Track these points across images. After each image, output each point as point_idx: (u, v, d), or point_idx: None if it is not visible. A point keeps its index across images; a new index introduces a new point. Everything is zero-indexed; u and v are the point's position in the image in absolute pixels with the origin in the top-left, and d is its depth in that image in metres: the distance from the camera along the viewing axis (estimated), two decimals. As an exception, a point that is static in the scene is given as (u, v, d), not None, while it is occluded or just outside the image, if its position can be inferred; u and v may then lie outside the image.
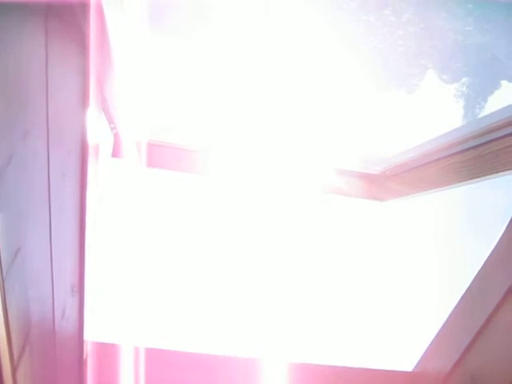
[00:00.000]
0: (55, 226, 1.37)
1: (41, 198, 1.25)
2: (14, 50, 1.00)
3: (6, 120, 1.00)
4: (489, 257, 1.94)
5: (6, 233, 1.06)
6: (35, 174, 1.18)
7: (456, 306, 2.10)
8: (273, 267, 3.10)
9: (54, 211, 1.34)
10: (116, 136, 2.35)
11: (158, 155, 2.46)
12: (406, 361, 2.34)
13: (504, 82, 1.88)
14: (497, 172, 1.79)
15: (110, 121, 2.20)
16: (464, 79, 1.95)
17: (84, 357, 2.03)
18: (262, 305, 3.06)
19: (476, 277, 2.00)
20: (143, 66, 1.99)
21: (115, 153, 2.41)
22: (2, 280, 1.07)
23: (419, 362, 2.26)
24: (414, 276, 3.19)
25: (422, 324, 2.95)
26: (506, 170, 1.74)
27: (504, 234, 1.88)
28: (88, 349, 2.06)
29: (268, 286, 3.09)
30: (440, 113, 2.13)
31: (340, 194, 2.56)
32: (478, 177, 1.89)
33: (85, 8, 1.35)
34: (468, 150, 1.93)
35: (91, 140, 1.61)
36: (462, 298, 2.07)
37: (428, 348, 2.22)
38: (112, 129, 2.30)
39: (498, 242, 1.90)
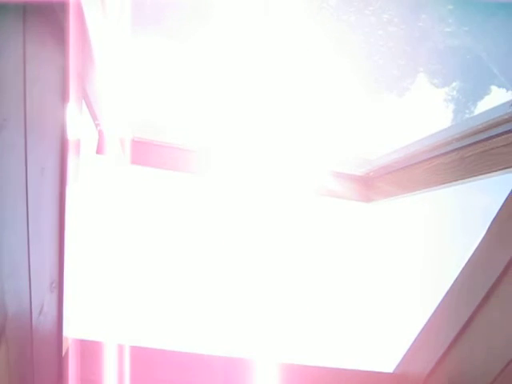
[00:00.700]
0: (33, 220, 1.36)
1: (18, 191, 1.24)
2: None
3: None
4: (469, 260, 1.94)
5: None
6: (12, 166, 1.17)
7: (436, 309, 2.10)
8: (260, 268, 3.10)
9: (31, 204, 1.33)
10: (100, 133, 2.34)
11: (142, 152, 2.45)
12: (388, 362, 2.34)
13: (494, 88, 1.89)
14: (480, 174, 1.79)
15: (94, 117, 2.19)
16: (454, 84, 1.96)
17: (63, 354, 2.01)
18: (248, 304, 3.06)
19: (456, 279, 2.00)
20: (127, 62, 1.98)
21: (99, 150, 2.39)
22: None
23: (400, 363, 2.26)
24: (397, 278, 3.20)
25: (404, 325, 2.96)
26: (491, 171, 1.75)
27: (485, 236, 1.88)
28: (67, 346, 2.05)
29: (255, 285, 3.09)
30: (429, 116, 2.13)
31: (324, 195, 2.55)
32: (462, 178, 1.89)
33: (64, 1, 1.34)
34: (452, 151, 1.93)
35: (72, 135, 1.60)
36: (443, 300, 2.07)
37: (409, 350, 2.22)
38: (96, 125, 2.29)
39: (479, 245, 1.90)
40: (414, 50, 1.74)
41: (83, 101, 1.82)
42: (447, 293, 2.04)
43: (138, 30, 1.84)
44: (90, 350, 2.07)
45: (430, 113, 2.11)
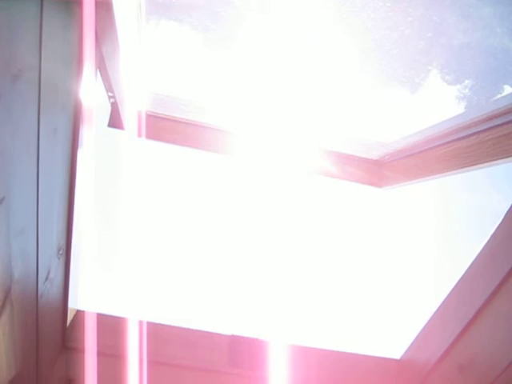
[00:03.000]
0: (43, 181, 1.34)
1: (29, 148, 1.21)
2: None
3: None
4: (482, 249, 1.92)
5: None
6: (24, 121, 1.15)
7: (447, 296, 2.08)
8: (272, 250, 3.09)
9: (42, 165, 1.30)
10: (114, 105, 2.31)
11: (156, 127, 2.43)
12: (395, 348, 2.32)
13: (507, 87, 1.86)
14: (500, 158, 1.76)
15: (109, 89, 2.16)
16: (467, 81, 1.93)
17: (67, 324, 2.00)
18: (259, 285, 3.05)
19: (469, 268, 1.98)
20: (148, 37, 1.95)
21: (112, 122, 2.37)
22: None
23: (408, 350, 2.24)
24: (407, 264, 3.18)
25: (412, 312, 2.94)
26: (510, 156, 1.72)
27: (500, 225, 1.86)
28: (72, 316, 2.03)
29: (265, 269, 3.08)
30: (440, 113, 2.10)
31: (338, 178, 2.53)
32: (480, 162, 1.86)
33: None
34: (471, 135, 1.89)
35: (86, 99, 1.57)
36: (454, 287, 2.05)
37: (417, 336, 2.20)
38: (110, 98, 2.26)
39: (492, 235, 1.88)
40: (428, 45, 1.71)
41: (98, 71, 1.79)
42: (459, 280, 2.02)
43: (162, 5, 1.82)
44: (95, 323, 2.05)
45: (442, 109, 2.09)
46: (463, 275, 2.00)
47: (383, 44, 1.67)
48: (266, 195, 2.96)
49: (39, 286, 1.53)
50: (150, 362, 2.01)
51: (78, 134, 1.56)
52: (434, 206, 3.00)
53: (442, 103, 2.03)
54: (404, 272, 3.18)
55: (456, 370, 1.94)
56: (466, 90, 1.92)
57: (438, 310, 2.12)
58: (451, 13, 1.46)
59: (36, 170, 1.28)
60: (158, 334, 2.14)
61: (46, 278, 1.59)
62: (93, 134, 1.70)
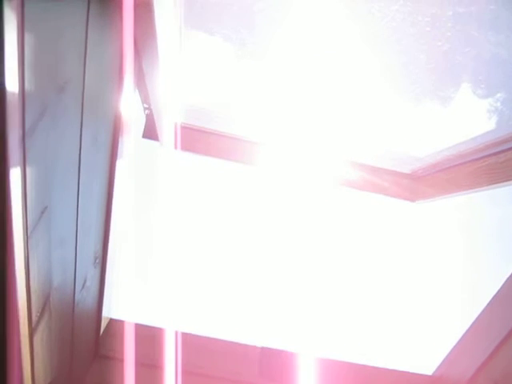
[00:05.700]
0: (83, 191, 1.36)
1: (71, 159, 1.24)
2: (56, 4, 0.99)
3: (43, 71, 0.98)
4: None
5: (35, 188, 1.04)
6: (67, 131, 1.17)
7: (481, 312, 2.05)
8: (300, 264, 3.08)
9: (82, 175, 1.32)
10: (148, 116, 2.34)
11: (190, 139, 2.45)
12: (427, 364, 2.29)
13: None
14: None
15: (145, 101, 2.19)
16: (499, 95, 1.91)
17: (101, 333, 2.02)
18: (288, 297, 3.04)
19: (505, 282, 1.95)
20: (185, 50, 1.97)
21: (146, 134, 2.40)
22: (27, 236, 1.06)
23: (440, 365, 2.21)
24: (440, 278, 3.15)
25: (445, 327, 2.90)
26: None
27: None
28: (105, 325, 2.05)
29: (295, 278, 3.07)
30: (472, 127, 2.09)
31: (371, 191, 2.52)
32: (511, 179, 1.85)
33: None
34: (502, 152, 1.88)
35: (125, 109, 1.60)
36: (488, 303, 2.02)
37: (450, 351, 2.17)
38: (145, 109, 2.29)
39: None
40: (466, 60, 1.71)
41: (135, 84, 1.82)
42: (494, 296, 1.99)
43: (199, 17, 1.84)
44: (127, 332, 2.07)
45: (474, 123, 2.07)
46: (498, 291, 1.97)
47: (420, 58, 1.66)
48: (298, 209, 2.96)
49: (76, 294, 1.55)
50: (178, 372, 2.02)
51: (117, 144, 1.59)
52: (468, 213, 2.97)
53: (474, 117, 2.02)
54: (439, 285, 3.15)
55: (490, 387, 1.91)
56: (498, 104, 1.91)
57: (471, 325, 2.09)
58: (488, 27, 1.45)
59: (77, 180, 1.30)
60: (189, 345, 2.14)
61: (83, 287, 1.61)
62: (131, 145, 1.72)
